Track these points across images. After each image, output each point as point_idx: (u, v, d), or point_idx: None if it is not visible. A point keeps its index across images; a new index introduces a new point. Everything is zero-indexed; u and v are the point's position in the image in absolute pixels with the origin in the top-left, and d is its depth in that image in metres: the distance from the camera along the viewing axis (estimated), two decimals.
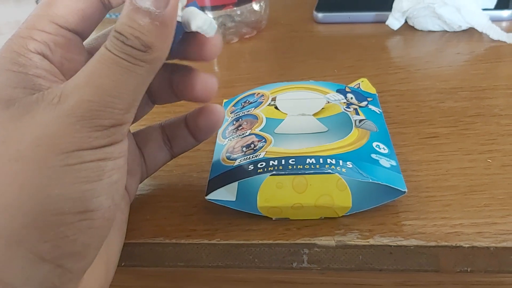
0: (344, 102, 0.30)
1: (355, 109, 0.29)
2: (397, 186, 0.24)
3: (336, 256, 0.24)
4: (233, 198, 0.25)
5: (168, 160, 0.28)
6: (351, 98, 0.30)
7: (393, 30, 0.45)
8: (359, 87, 0.33)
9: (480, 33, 0.42)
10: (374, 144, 0.26)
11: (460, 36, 0.43)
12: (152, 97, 0.27)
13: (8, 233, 0.18)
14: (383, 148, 0.26)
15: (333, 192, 0.24)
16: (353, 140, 0.26)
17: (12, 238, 0.18)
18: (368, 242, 0.24)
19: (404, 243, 0.23)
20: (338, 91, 0.31)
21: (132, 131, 0.27)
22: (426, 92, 0.35)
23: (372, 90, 0.33)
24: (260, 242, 0.25)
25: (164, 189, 0.29)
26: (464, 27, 0.43)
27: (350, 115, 0.28)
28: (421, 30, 0.45)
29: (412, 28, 0.45)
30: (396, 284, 0.26)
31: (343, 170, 0.24)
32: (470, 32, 0.43)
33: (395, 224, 0.24)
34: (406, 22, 0.45)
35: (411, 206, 0.25)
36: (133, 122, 0.28)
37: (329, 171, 0.24)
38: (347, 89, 0.31)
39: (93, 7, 0.22)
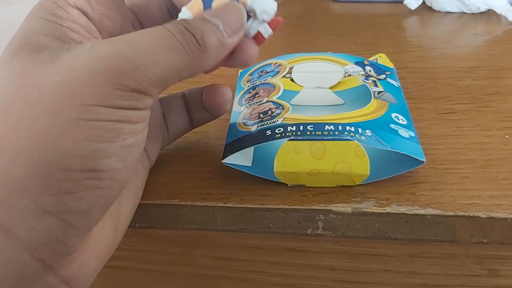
0: (363, 74, 0.29)
1: (374, 81, 0.29)
2: (416, 156, 0.24)
3: (351, 223, 0.24)
4: (249, 163, 0.25)
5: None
6: (370, 70, 0.30)
7: (410, 9, 0.44)
8: (376, 61, 0.33)
9: (499, 16, 0.42)
10: (393, 115, 0.26)
11: (478, 18, 0.43)
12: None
13: (13, 180, 0.17)
14: (402, 119, 0.26)
15: (351, 159, 0.24)
16: (372, 110, 0.26)
17: (16, 186, 0.17)
18: (385, 210, 0.24)
19: (421, 212, 0.23)
20: (356, 63, 0.31)
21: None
22: (444, 70, 0.34)
23: (390, 65, 0.32)
24: (276, 207, 0.24)
25: (180, 154, 0.29)
26: (482, 9, 0.42)
27: (369, 87, 0.28)
28: (439, 11, 0.44)
29: (430, 8, 0.45)
30: (409, 255, 0.26)
31: (362, 137, 0.24)
32: (488, 14, 0.43)
33: (412, 194, 0.24)
34: (423, 2, 0.45)
35: (428, 178, 0.25)
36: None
37: (348, 138, 0.24)
38: (366, 62, 0.31)
39: None
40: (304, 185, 0.25)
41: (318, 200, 0.24)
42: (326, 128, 0.24)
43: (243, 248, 0.28)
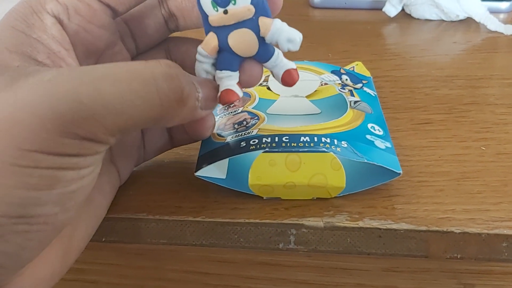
0: (339, 83, 0.29)
1: (350, 90, 0.28)
2: (392, 168, 0.23)
3: (324, 237, 0.23)
4: (223, 175, 0.24)
5: (169, 148, 0.27)
6: (346, 79, 0.30)
7: (389, 17, 0.44)
8: (353, 70, 0.32)
9: (477, 24, 0.42)
10: (369, 125, 0.26)
11: (457, 25, 0.42)
12: (171, 139, 0.27)
13: None
14: (378, 129, 0.26)
15: (327, 172, 0.23)
16: (348, 120, 0.25)
17: None
18: (358, 224, 0.23)
19: (394, 226, 0.23)
20: (332, 72, 0.30)
21: None
22: (421, 79, 0.34)
23: (366, 73, 0.32)
24: (246, 221, 0.24)
25: (149, 165, 0.28)
26: (461, 17, 0.42)
27: (345, 96, 0.27)
28: (418, 19, 0.44)
29: (409, 16, 0.44)
30: (383, 270, 0.26)
31: (338, 149, 0.23)
32: (467, 22, 0.43)
33: (385, 207, 0.24)
34: (403, 9, 0.44)
35: (402, 190, 0.25)
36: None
37: (324, 149, 0.23)
38: (342, 71, 0.31)
39: None
40: (280, 197, 0.25)
41: (290, 213, 0.24)
42: (301, 140, 0.24)
43: (215, 262, 0.28)
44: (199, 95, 0.20)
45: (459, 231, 0.22)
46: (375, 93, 0.29)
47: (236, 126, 0.26)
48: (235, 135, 0.25)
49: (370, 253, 0.23)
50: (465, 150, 0.27)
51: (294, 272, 0.27)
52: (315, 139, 0.24)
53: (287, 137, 0.24)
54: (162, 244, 0.25)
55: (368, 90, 0.29)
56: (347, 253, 0.24)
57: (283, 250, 0.24)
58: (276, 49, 0.22)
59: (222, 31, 0.21)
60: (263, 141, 0.24)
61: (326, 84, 0.29)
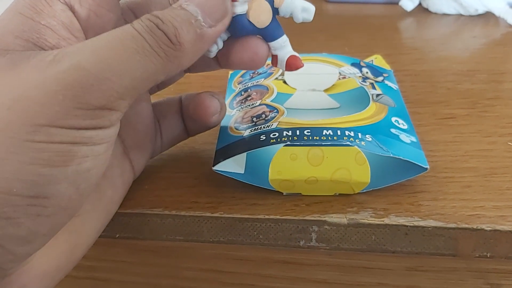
0: (360, 76, 0.28)
1: (371, 83, 0.27)
2: (419, 163, 0.22)
3: (347, 235, 0.23)
4: (241, 170, 0.23)
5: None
6: (367, 72, 0.29)
7: (406, 11, 0.43)
8: (372, 63, 0.31)
9: (497, 18, 0.41)
10: (393, 119, 0.25)
11: (476, 20, 0.41)
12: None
13: None
14: (403, 123, 0.25)
15: (351, 166, 0.22)
16: (371, 113, 0.24)
17: None
18: (383, 221, 0.22)
19: (422, 223, 0.22)
20: (352, 64, 0.29)
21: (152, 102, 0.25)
22: (442, 73, 0.33)
23: (386, 66, 0.31)
24: (266, 217, 0.23)
25: (165, 160, 0.27)
26: (480, 11, 0.41)
27: (366, 89, 0.26)
28: (435, 13, 0.43)
29: (426, 10, 0.43)
30: (407, 269, 0.25)
31: (362, 143, 0.22)
32: (486, 16, 0.41)
33: (411, 204, 0.23)
34: (420, 4, 0.43)
35: (428, 187, 0.24)
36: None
37: (348, 143, 0.22)
38: (362, 64, 0.30)
39: None
40: (300, 193, 0.24)
41: (311, 210, 0.23)
42: (324, 133, 0.23)
43: (231, 260, 0.27)
44: (199, 19, 0.18)
45: (490, 228, 0.21)
46: (397, 87, 0.29)
47: (254, 119, 0.25)
48: (253, 128, 0.24)
49: (395, 251, 0.23)
50: (491, 146, 0.26)
51: (313, 271, 0.26)
52: (338, 132, 0.23)
53: (309, 130, 0.23)
54: (178, 240, 0.24)
55: (389, 84, 0.28)
56: (371, 251, 0.23)
57: (304, 247, 0.23)
58: (284, 34, 0.21)
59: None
60: (284, 134, 0.23)
61: (345, 77, 0.28)
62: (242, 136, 0.24)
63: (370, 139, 0.23)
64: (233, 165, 0.23)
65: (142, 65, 0.17)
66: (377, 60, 0.32)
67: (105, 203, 0.22)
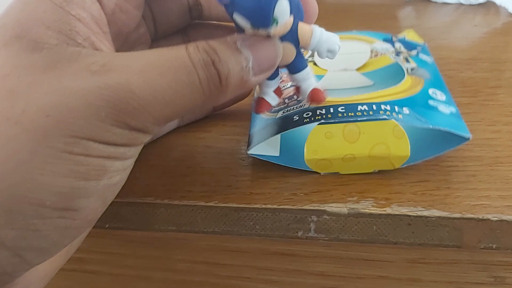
0: (393, 51, 0.27)
1: (405, 57, 0.27)
2: (460, 132, 0.21)
3: (347, 225, 0.22)
4: (276, 153, 0.23)
5: (175, 126, 0.27)
6: (399, 47, 0.28)
7: (404, 0, 0.42)
8: (404, 38, 0.30)
9: (497, 7, 0.40)
10: (430, 90, 0.24)
11: (476, 9, 0.41)
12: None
13: None
14: (440, 94, 0.24)
15: (389, 140, 0.21)
16: (406, 87, 0.24)
17: None
18: (385, 211, 0.21)
19: (425, 213, 0.21)
20: (384, 40, 0.28)
21: None
22: (444, 62, 0.32)
23: (419, 40, 0.30)
24: (263, 206, 0.22)
25: (157, 147, 0.26)
26: (481, 0, 0.40)
27: (401, 64, 0.26)
28: (435, 2, 0.42)
29: None
30: (408, 261, 0.24)
31: (400, 116, 0.21)
32: (487, 6, 0.41)
33: (414, 193, 0.22)
34: None
35: (431, 176, 0.23)
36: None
37: (384, 117, 0.21)
38: (394, 38, 0.29)
39: None
40: (338, 172, 0.23)
41: (310, 199, 0.22)
42: (359, 109, 0.22)
43: (226, 251, 0.26)
44: (249, 66, 0.18)
45: (496, 218, 0.20)
46: (432, 59, 0.28)
47: (286, 100, 0.24)
48: (286, 110, 0.23)
49: (397, 242, 0.22)
50: (495, 134, 0.25)
51: (311, 262, 0.25)
52: (374, 107, 0.22)
53: (343, 107, 0.22)
54: (171, 231, 0.23)
55: (424, 57, 0.28)
56: (372, 242, 0.22)
57: (302, 238, 0.22)
58: (308, 65, 0.22)
59: None
60: (317, 113, 0.22)
61: (377, 55, 0.27)
62: (275, 118, 0.23)
63: (407, 112, 0.22)
64: (268, 148, 0.23)
65: (187, 99, 0.17)
66: (409, 34, 0.31)
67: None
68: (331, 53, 0.21)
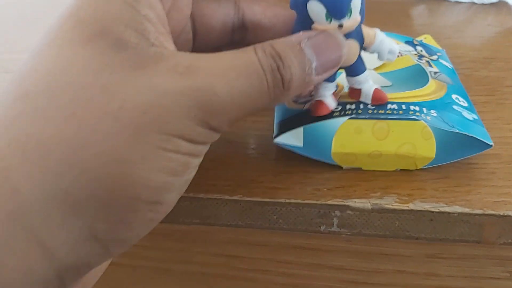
0: (415, 54, 0.27)
1: (428, 61, 0.27)
2: (485, 139, 0.22)
3: (370, 220, 0.22)
4: (300, 143, 0.23)
5: None
6: (421, 50, 0.28)
7: None
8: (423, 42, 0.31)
9: (509, 7, 0.40)
10: (454, 96, 0.24)
11: (488, 8, 0.41)
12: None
13: (72, 200, 0.15)
14: (463, 101, 0.24)
15: (416, 141, 0.22)
16: (431, 90, 0.24)
17: (74, 207, 0.15)
18: (408, 206, 0.22)
19: (447, 209, 0.21)
20: (406, 42, 0.29)
21: None
22: (459, 60, 0.33)
23: (437, 46, 0.31)
24: (287, 201, 0.22)
25: None
26: (493, 0, 0.41)
27: (424, 67, 0.26)
28: (448, 1, 0.42)
29: None
30: (426, 256, 0.25)
31: (428, 118, 0.22)
32: (499, 5, 0.41)
33: (436, 190, 0.22)
34: None
35: (452, 173, 0.23)
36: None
37: (414, 117, 0.22)
38: (415, 42, 0.29)
39: None
40: (361, 168, 0.23)
41: (334, 194, 0.22)
42: (389, 107, 0.22)
43: (245, 244, 0.26)
44: (312, 66, 0.19)
45: None
46: (451, 65, 0.28)
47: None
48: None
49: (419, 237, 0.22)
50: None
51: (330, 256, 0.26)
52: (403, 106, 0.22)
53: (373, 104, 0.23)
54: (195, 224, 0.23)
55: (444, 62, 0.28)
56: (394, 237, 0.22)
57: (325, 232, 0.23)
58: (367, 68, 0.22)
59: None
60: (347, 107, 0.23)
61: (399, 55, 0.27)
62: (303, 109, 0.24)
63: (435, 114, 0.22)
64: (292, 138, 0.23)
65: (256, 102, 0.18)
66: (427, 39, 0.31)
67: None
68: (392, 54, 0.22)
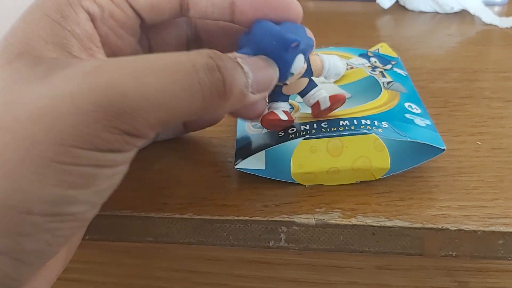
0: (369, 66, 0.29)
1: (381, 72, 0.28)
2: (436, 144, 0.23)
3: (315, 235, 0.23)
4: (262, 166, 0.24)
5: (149, 142, 0.27)
6: (375, 61, 0.29)
7: (383, 9, 0.43)
8: (378, 51, 0.32)
9: (472, 16, 0.41)
10: (406, 104, 0.25)
11: (452, 18, 0.42)
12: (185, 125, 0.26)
13: None
14: (415, 108, 0.25)
15: (370, 154, 0.23)
16: (384, 101, 0.25)
17: None
18: (350, 221, 0.22)
19: (388, 223, 0.22)
20: (360, 55, 0.30)
21: None
22: (416, 72, 0.33)
23: (393, 54, 0.32)
24: (236, 218, 0.23)
25: (135, 160, 0.27)
26: (456, 9, 0.41)
27: (377, 78, 0.27)
28: (412, 11, 0.43)
29: (403, 8, 0.44)
30: (376, 267, 0.25)
31: (379, 130, 0.23)
32: (462, 14, 0.42)
33: (379, 204, 0.23)
34: (397, 1, 0.43)
35: (397, 186, 0.24)
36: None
37: (365, 131, 0.23)
38: (369, 53, 0.30)
39: (170, 2, 0.20)
40: (323, 184, 0.24)
41: (280, 210, 0.23)
42: (341, 124, 0.23)
43: (203, 259, 0.27)
44: (248, 82, 0.18)
45: (455, 228, 0.22)
46: (406, 73, 0.29)
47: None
48: None
49: (363, 251, 0.23)
50: (460, 145, 0.26)
51: (284, 270, 0.26)
52: (355, 122, 0.23)
53: (326, 123, 0.24)
54: (149, 242, 0.24)
55: (398, 70, 0.29)
56: (339, 251, 0.23)
57: (274, 248, 0.23)
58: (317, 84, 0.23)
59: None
60: (302, 128, 0.23)
61: (352, 68, 0.28)
62: (260, 134, 0.24)
63: (386, 126, 0.23)
64: (254, 162, 0.24)
65: (184, 103, 0.16)
66: (383, 48, 0.32)
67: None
68: (338, 75, 0.23)
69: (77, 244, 0.22)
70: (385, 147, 0.23)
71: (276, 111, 0.23)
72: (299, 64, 0.21)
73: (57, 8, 0.18)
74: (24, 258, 0.16)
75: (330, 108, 0.23)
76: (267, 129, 0.24)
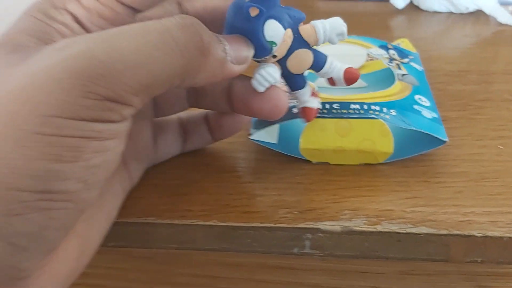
0: (387, 57, 0.29)
1: (397, 64, 0.29)
2: (439, 136, 0.24)
3: (340, 242, 0.23)
4: (274, 140, 0.25)
5: (178, 153, 0.27)
6: (393, 54, 0.30)
7: (397, 9, 0.43)
8: (399, 46, 0.32)
9: (487, 16, 0.41)
10: (416, 96, 0.26)
11: (466, 18, 0.42)
12: (194, 97, 0.25)
13: None
14: (425, 101, 0.26)
15: (375, 137, 0.24)
16: (396, 91, 0.26)
17: None
18: (376, 228, 0.22)
19: (414, 230, 0.22)
20: (380, 46, 0.31)
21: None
22: (433, 74, 0.33)
23: (412, 49, 0.32)
24: (260, 225, 0.23)
25: (157, 167, 0.27)
26: (471, 9, 0.41)
27: (392, 69, 0.28)
28: (426, 11, 0.43)
29: (417, 8, 0.43)
30: (400, 273, 0.25)
31: (387, 116, 0.24)
32: (477, 14, 0.42)
33: (403, 210, 0.23)
34: (411, 1, 0.43)
35: (420, 192, 0.24)
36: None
37: (373, 116, 0.24)
38: (389, 46, 0.31)
39: None
40: (328, 162, 0.25)
41: (305, 217, 0.23)
42: (351, 107, 0.25)
43: (226, 265, 0.27)
44: (225, 47, 0.19)
45: (481, 234, 0.22)
46: (422, 68, 0.30)
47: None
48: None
49: (388, 257, 0.23)
50: (482, 149, 0.26)
51: (307, 275, 0.26)
52: (365, 106, 0.25)
53: (338, 104, 0.25)
54: (172, 248, 0.24)
55: (414, 65, 0.30)
56: (364, 257, 0.23)
57: (298, 254, 0.23)
58: (327, 55, 0.22)
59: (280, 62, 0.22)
60: None
61: (372, 59, 0.29)
62: None
63: (394, 113, 0.24)
64: (267, 136, 0.25)
65: (162, 63, 0.16)
66: (404, 43, 0.33)
67: (107, 209, 0.22)
68: (341, 35, 0.22)
69: (93, 246, 0.21)
70: (390, 133, 0.24)
71: (307, 104, 0.23)
72: (274, 31, 0.20)
73: (43, 11, 0.19)
74: (19, 241, 0.16)
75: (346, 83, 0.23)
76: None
